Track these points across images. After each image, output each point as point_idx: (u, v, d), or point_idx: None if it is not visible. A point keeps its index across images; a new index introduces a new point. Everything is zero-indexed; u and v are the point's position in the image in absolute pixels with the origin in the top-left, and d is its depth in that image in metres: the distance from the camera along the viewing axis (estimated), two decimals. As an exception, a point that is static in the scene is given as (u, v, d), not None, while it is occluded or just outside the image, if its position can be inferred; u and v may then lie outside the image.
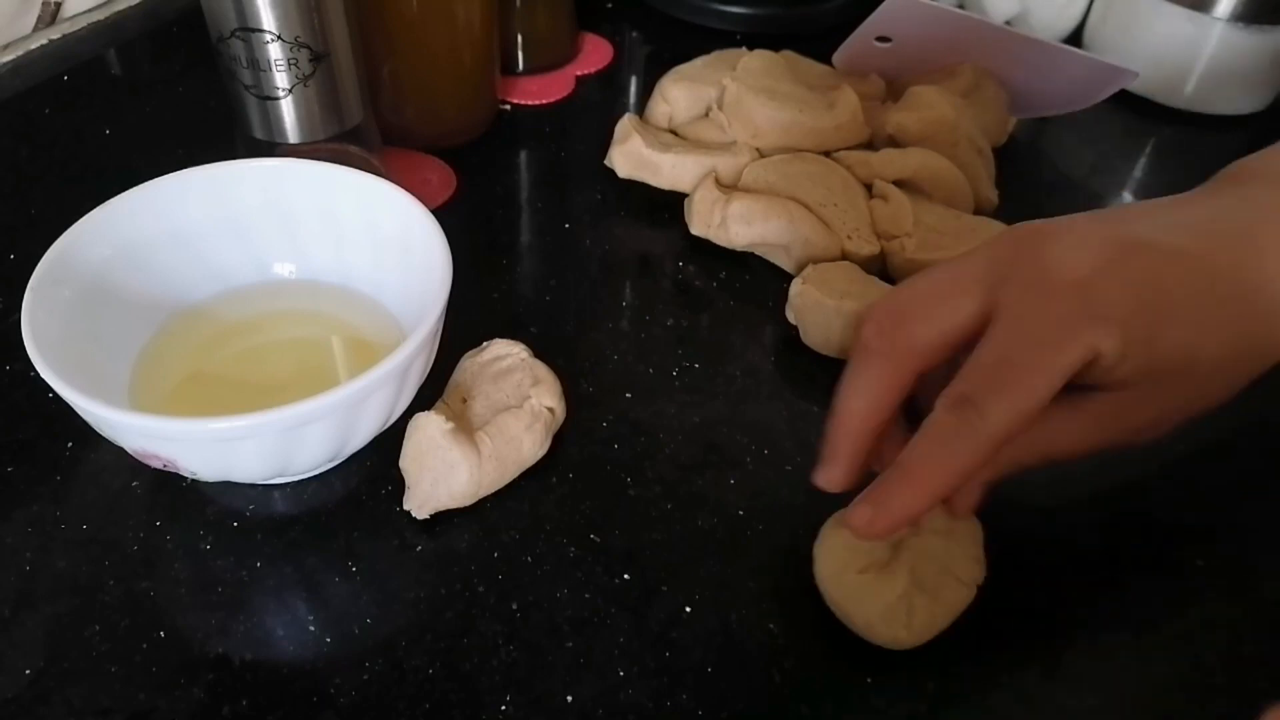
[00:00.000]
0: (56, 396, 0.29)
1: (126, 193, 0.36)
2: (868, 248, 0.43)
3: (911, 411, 0.32)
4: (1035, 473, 0.31)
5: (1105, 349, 0.28)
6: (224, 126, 0.42)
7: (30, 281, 0.32)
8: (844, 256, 0.44)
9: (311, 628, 0.31)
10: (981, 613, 0.31)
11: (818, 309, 0.40)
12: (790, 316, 0.42)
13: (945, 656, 0.31)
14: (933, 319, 0.30)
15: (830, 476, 0.31)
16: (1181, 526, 0.36)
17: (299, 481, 0.35)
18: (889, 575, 0.30)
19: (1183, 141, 0.58)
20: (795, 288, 0.41)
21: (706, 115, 0.51)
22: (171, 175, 0.36)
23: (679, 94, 0.51)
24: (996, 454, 0.28)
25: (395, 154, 0.49)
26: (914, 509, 0.28)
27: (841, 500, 0.30)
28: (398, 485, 0.34)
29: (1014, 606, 0.32)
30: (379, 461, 0.35)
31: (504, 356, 0.37)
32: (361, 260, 0.38)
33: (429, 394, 0.35)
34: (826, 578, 0.31)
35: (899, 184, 0.46)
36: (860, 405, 0.30)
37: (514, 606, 0.32)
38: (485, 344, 0.38)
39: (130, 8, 0.60)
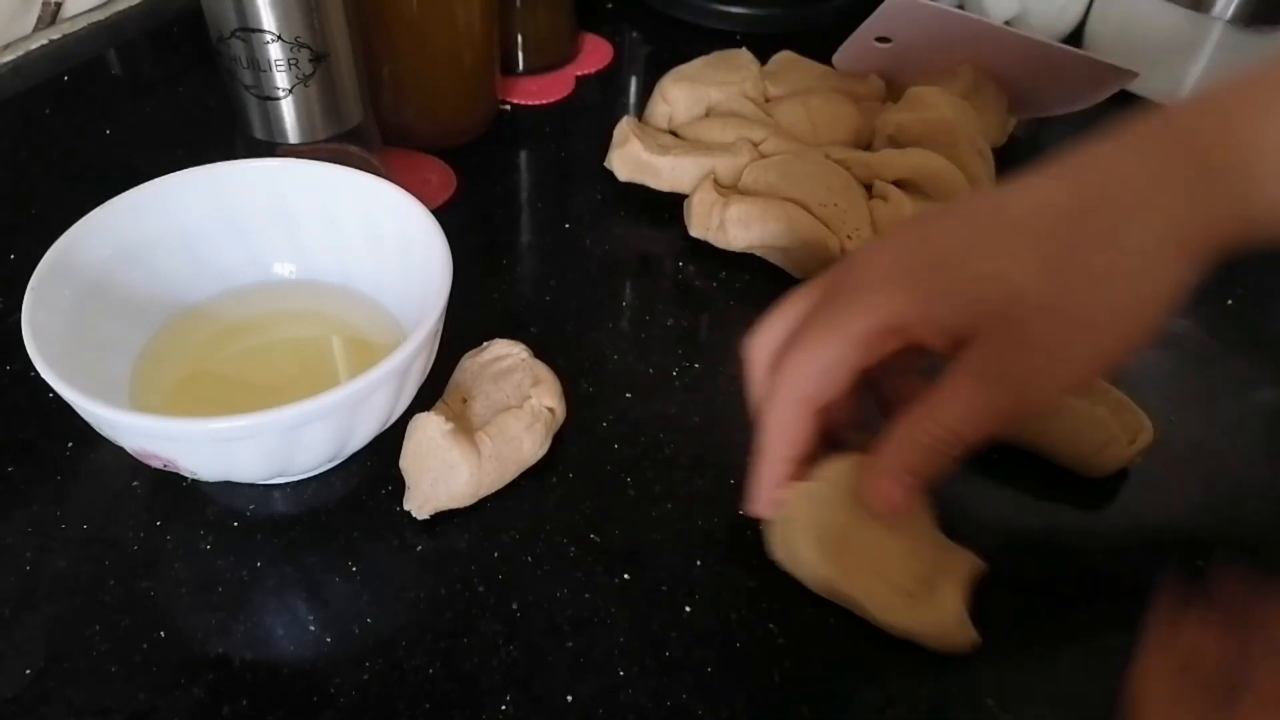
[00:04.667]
0: (56, 396, 0.29)
1: (127, 192, 0.36)
2: (868, 248, 0.44)
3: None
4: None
5: (894, 309, 0.29)
6: (224, 126, 0.42)
7: (30, 281, 0.32)
8: (844, 256, 0.44)
9: (311, 628, 0.31)
10: (978, 612, 0.31)
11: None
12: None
13: (941, 656, 0.31)
14: (803, 377, 0.31)
15: (756, 507, 0.33)
16: (1180, 528, 0.36)
17: (299, 481, 0.35)
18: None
19: (1182, 142, 0.58)
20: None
21: (706, 115, 0.51)
22: (172, 175, 0.36)
23: (679, 94, 0.51)
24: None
25: (395, 154, 0.49)
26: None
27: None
28: (398, 485, 0.34)
29: (1012, 609, 0.33)
30: (379, 461, 0.35)
31: (504, 356, 0.37)
32: (361, 260, 0.38)
33: (429, 394, 0.35)
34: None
35: (899, 184, 0.46)
36: (777, 447, 0.32)
37: (514, 606, 0.32)
38: (485, 344, 0.38)
39: (130, 8, 0.60)
